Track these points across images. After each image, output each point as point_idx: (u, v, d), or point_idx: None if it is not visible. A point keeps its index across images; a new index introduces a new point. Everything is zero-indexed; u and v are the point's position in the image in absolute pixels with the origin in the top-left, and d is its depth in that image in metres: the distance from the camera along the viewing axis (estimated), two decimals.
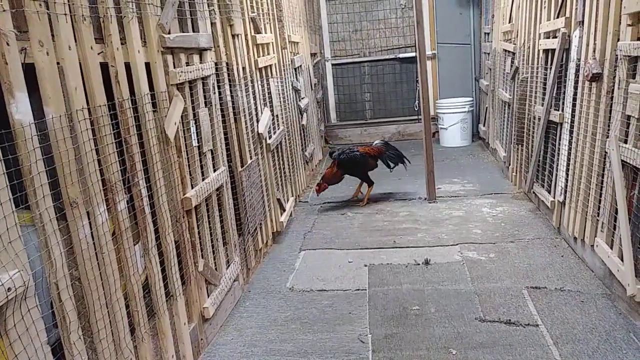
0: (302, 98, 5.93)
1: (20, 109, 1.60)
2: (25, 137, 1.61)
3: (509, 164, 5.44)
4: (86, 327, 1.89)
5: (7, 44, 1.57)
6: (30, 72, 1.69)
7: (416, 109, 8.00)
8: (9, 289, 1.47)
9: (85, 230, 1.87)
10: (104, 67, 2.11)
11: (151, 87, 2.44)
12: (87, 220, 1.88)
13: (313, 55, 7.33)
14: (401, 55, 8.13)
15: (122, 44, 2.21)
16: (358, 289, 3.36)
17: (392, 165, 5.34)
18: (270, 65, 4.53)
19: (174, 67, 2.65)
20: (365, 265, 3.70)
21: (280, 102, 4.78)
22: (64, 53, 1.82)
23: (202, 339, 2.80)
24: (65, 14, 1.84)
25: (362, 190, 5.35)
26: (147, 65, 2.43)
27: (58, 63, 1.80)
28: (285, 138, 4.88)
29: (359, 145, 5.41)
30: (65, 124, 1.79)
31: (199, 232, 2.83)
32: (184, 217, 2.66)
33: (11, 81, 1.57)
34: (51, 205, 1.70)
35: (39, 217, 1.66)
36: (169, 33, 2.58)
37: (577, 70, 3.48)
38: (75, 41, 1.90)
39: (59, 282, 1.72)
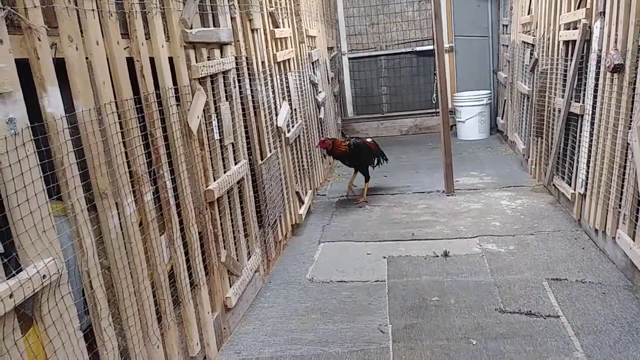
0: (320, 92, 5.95)
1: (52, 103, 1.65)
2: (57, 130, 1.66)
3: (528, 157, 5.40)
4: (115, 314, 1.95)
5: (39, 39, 1.62)
6: (59, 66, 1.74)
7: (433, 102, 7.97)
8: (44, 276, 1.53)
9: (114, 221, 1.92)
10: (129, 62, 2.15)
11: (174, 81, 2.48)
12: (116, 211, 1.94)
13: (330, 49, 7.34)
14: (418, 49, 8.10)
15: (146, 39, 2.26)
16: (377, 281, 3.39)
17: (377, 163, 5.35)
18: (289, 59, 4.55)
19: (196, 62, 2.69)
20: (384, 257, 3.73)
21: (298, 95, 4.81)
22: (92, 48, 1.87)
23: (224, 328, 2.86)
24: (93, 10, 1.88)
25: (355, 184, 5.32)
26: (171, 60, 2.48)
27: (87, 58, 1.85)
28: (303, 131, 4.91)
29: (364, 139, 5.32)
30: (95, 117, 1.84)
31: (221, 224, 2.88)
32: (206, 209, 2.71)
33: (43, 75, 1.63)
34: (82, 196, 1.76)
35: (71, 208, 1.71)
36: (191, 28, 2.62)
37: (599, 62, 3.45)
38: (103, 36, 1.95)
39: (90, 271, 1.78)
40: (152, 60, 2.32)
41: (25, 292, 1.46)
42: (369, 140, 5.35)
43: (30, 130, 1.54)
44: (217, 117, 2.90)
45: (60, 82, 1.71)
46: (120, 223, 1.96)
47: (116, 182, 1.94)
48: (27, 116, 1.53)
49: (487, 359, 2.47)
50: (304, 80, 5.13)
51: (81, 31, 1.83)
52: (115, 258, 1.92)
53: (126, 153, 2.04)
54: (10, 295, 1.40)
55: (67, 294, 1.65)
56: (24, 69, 1.61)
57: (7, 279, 1.42)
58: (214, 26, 2.99)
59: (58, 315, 1.61)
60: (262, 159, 3.63)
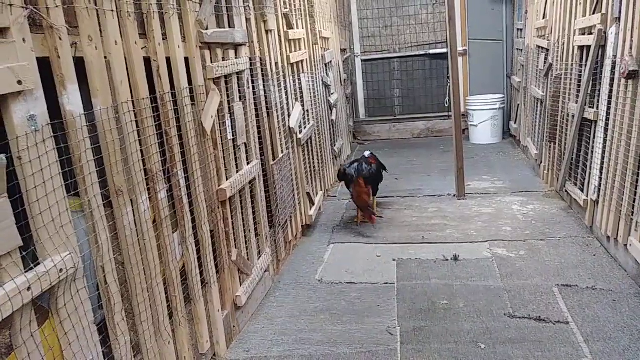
0: (332, 93, 5.97)
1: (71, 101, 1.69)
2: (76, 127, 1.70)
3: (541, 162, 5.38)
4: (128, 309, 1.98)
5: (60, 38, 1.66)
6: (78, 65, 1.78)
7: (446, 106, 7.96)
8: (61, 270, 1.56)
9: (129, 218, 1.96)
10: (146, 61, 2.19)
11: (189, 81, 2.52)
12: (131, 208, 1.97)
13: (343, 51, 7.36)
14: (431, 52, 8.09)
15: (163, 39, 2.29)
16: (386, 283, 3.40)
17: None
18: (302, 61, 4.58)
19: (211, 62, 2.72)
20: (394, 260, 3.73)
21: (310, 97, 4.83)
22: (111, 48, 1.90)
23: (234, 326, 2.88)
24: (112, 10, 1.92)
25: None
26: (186, 60, 2.51)
27: (105, 57, 1.89)
28: (315, 133, 4.93)
29: (361, 159, 4.72)
30: (112, 115, 1.88)
31: (232, 223, 2.91)
32: (218, 208, 2.74)
33: (64, 74, 1.67)
34: (99, 193, 1.79)
35: (87, 204, 1.75)
36: (207, 29, 2.65)
37: (613, 68, 3.43)
38: (121, 36, 1.98)
39: (105, 266, 1.81)
40: (168, 60, 2.35)
41: (42, 285, 1.49)
42: (367, 154, 4.88)
43: (50, 127, 1.58)
44: (230, 117, 2.94)
45: (78, 81, 1.74)
46: (134, 220, 1.99)
47: (131, 179, 1.98)
48: (48, 113, 1.57)
49: None
50: (316, 82, 5.15)
51: (100, 31, 1.87)
52: (129, 254, 1.95)
53: (142, 151, 2.07)
54: (28, 288, 1.44)
55: (83, 288, 1.68)
56: (44, 67, 1.65)
57: (25, 272, 1.46)
58: (229, 27, 3.02)
59: (73, 309, 1.64)
60: (274, 160, 3.65)
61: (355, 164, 4.58)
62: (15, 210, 1.44)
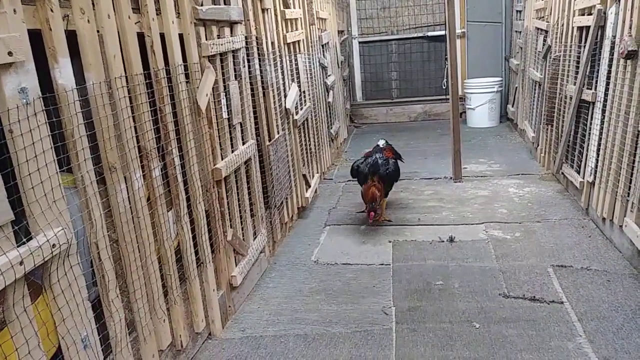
0: (329, 75, 5.92)
1: (63, 74, 1.66)
2: (68, 102, 1.67)
3: (538, 145, 5.37)
4: (123, 287, 1.98)
5: (51, 10, 1.62)
6: (70, 39, 1.74)
7: (444, 88, 7.92)
8: (54, 245, 1.55)
9: (123, 195, 1.94)
10: (140, 37, 2.15)
11: (184, 58, 2.48)
12: (125, 185, 1.95)
13: (340, 32, 7.29)
14: (430, 34, 8.02)
15: (157, 14, 2.25)
16: (382, 264, 3.40)
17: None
18: (299, 41, 4.53)
19: (206, 39, 2.69)
20: (390, 242, 3.74)
21: (307, 78, 4.79)
22: (104, 21, 1.87)
23: (229, 306, 2.89)
24: None
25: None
26: (181, 36, 2.47)
27: (98, 31, 1.85)
28: (311, 114, 4.90)
29: (375, 152, 4.20)
30: (105, 90, 1.85)
31: (228, 203, 2.90)
32: (214, 187, 2.72)
33: (55, 47, 1.64)
34: (92, 169, 1.78)
35: (80, 180, 1.73)
36: (202, 5, 2.61)
37: (612, 48, 3.40)
38: (114, 10, 1.94)
39: (98, 242, 1.80)
40: (162, 36, 2.31)
41: (35, 260, 1.48)
42: (381, 143, 4.47)
43: (42, 100, 1.55)
44: (225, 95, 2.90)
45: (70, 55, 1.71)
46: (128, 197, 1.98)
47: (125, 156, 1.96)
48: (39, 87, 1.54)
49: (489, 342, 2.48)
50: (313, 63, 5.10)
51: (93, 4, 1.84)
52: (123, 231, 1.94)
53: (135, 128, 2.05)
54: (21, 263, 1.42)
55: (76, 264, 1.67)
56: (35, 40, 1.61)
57: (18, 247, 1.44)
58: (225, 4, 2.97)
59: (67, 285, 1.63)
60: (269, 140, 3.63)
61: (370, 159, 4.04)
62: (6, 184, 1.42)
